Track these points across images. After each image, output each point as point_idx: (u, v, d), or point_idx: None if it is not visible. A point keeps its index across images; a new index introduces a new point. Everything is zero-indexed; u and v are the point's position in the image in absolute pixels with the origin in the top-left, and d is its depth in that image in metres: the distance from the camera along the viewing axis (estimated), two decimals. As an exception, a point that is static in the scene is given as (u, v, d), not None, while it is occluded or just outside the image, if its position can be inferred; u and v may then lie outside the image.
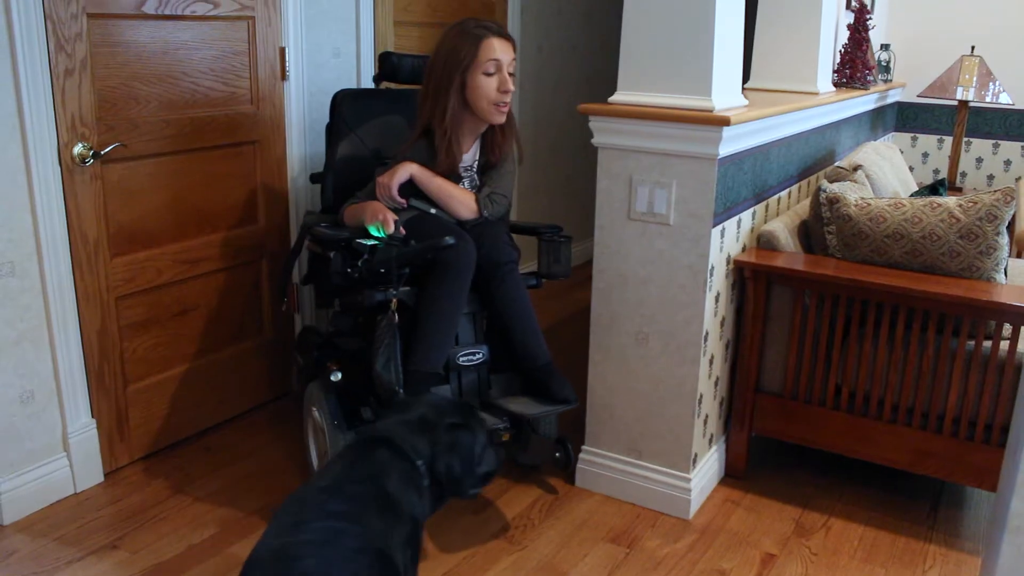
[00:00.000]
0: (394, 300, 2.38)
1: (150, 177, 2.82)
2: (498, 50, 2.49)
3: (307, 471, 2.83)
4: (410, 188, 2.50)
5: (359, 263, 2.37)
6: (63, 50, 2.49)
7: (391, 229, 2.38)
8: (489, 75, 2.48)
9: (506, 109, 2.54)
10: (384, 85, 3.06)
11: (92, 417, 2.76)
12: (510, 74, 2.52)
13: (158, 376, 2.96)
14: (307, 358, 2.77)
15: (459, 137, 2.56)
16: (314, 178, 3.13)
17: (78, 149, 2.57)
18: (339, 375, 2.52)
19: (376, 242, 2.36)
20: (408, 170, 2.48)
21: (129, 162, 2.74)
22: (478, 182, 2.67)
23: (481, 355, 2.55)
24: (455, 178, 2.58)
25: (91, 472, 2.77)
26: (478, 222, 2.59)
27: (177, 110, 2.86)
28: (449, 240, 2.35)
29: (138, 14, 2.68)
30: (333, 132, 2.88)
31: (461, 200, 2.57)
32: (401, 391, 2.32)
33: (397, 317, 2.36)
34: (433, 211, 2.53)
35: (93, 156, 2.60)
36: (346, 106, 2.85)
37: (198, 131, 2.93)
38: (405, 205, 2.50)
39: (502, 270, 2.53)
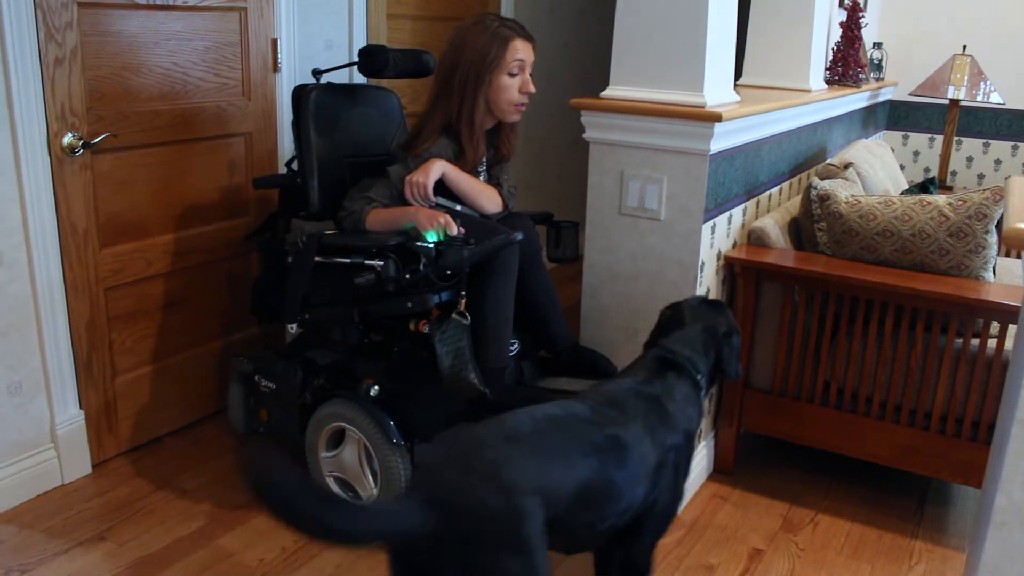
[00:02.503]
0: (463, 301, 2.34)
1: (140, 168, 2.81)
2: (522, 51, 2.48)
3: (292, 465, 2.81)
4: (436, 185, 2.47)
5: (421, 267, 2.29)
6: (53, 39, 2.47)
7: (455, 231, 2.31)
8: (513, 76, 2.47)
9: (523, 109, 2.54)
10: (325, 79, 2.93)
11: (80, 408, 2.75)
12: (530, 75, 2.52)
13: (147, 368, 2.95)
14: (288, 381, 2.65)
15: (483, 134, 2.55)
16: (261, 183, 2.85)
17: (68, 139, 2.55)
18: (376, 388, 2.48)
19: (432, 244, 2.28)
20: (441, 167, 2.43)
21: (119, 152, 2.73)
22: (487, 176, 2.66)
23: (517, 345, 2.55)
24: (474, 173, 2.58)
25: (79, 463, 2.77)
26: (503, 215, 2.59)
27: (168, 101, 2.85)
28: (519, 235, 2.35)
29: (129, 3, 2.67)
30: (303, 131, 2.65)
31: (489, 196, 2.56)
32: (487, 391, 2.29)
33: (467, 318, 2.33)
34: (459, 207, 2.51)
35: (83, 146, 2.59)
36: (313, 103, 2.66)
37: (189, 122, 2.92)
38: (435, 202, 2.46)
39: (536, 258, 2.55)
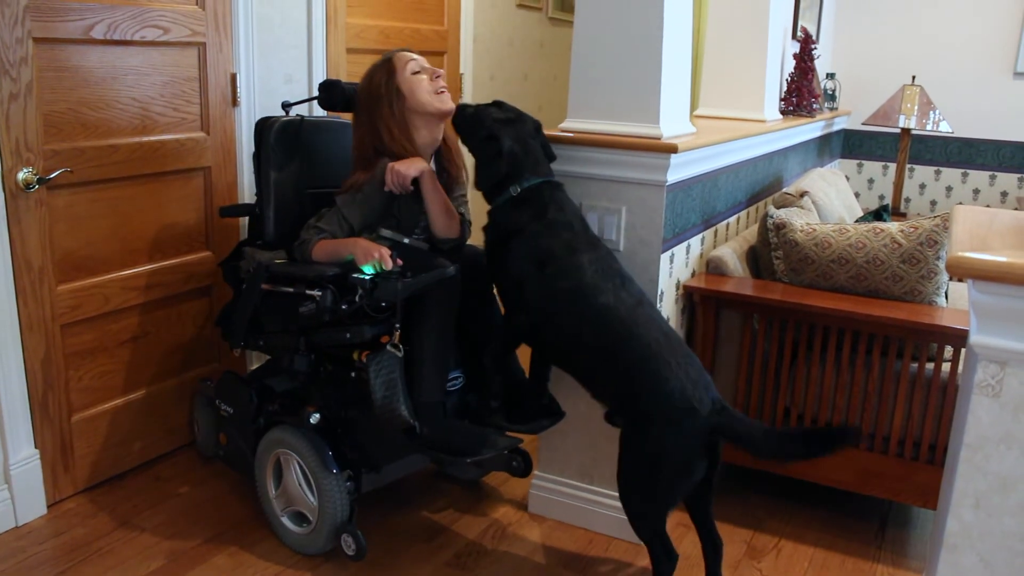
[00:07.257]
0: (397, 333, 2.35)
1: (98, 203, 2.79)
2: (411, 58, 2.54)
3: (255, 501, 2.77)
4: (395, 205, 2.48)
5: (357, 298, 2.31)
6: (7, 74, 2.45)
7: (391, 266, 2.32)
8: (415, 73, 2.52)
9: (447, 94, 2.56)
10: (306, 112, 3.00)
11: (35, 448, 2.70)
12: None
13: (105, 405, 2.91)
14: (245, 406, 2.69)
15: (413, 141, 2.55)
16: (228, 211, 2.95)
17: (22, 175, 2.53)
18: (318, 416, 2.48)
19: (368, 277, 2.31)
20: (423, 167, 2.46)
21: (76, 188, 2.71)
22: None
23: (461, 378, 2.56)
24: None
25: (33, 504, 2.71)
26: (455, 245, 2.60)
27: (126, 136, 2.84)
28: (451, 270, 2.36)
29: (86, 39, 2.66)
30: (263, 162, 2.70)
31: (449, 220, 2.56)
32: (417, 424, 2.30)
33: (401, 350, 2.33)
34: (406, 240, 2.52)
35: (38, 182, 2.56)
36: (274, 135, 2.69)
37: (147, 157, 2.91)
38: (411, 190, 2.48)
39: (486, 292, 2.56)
